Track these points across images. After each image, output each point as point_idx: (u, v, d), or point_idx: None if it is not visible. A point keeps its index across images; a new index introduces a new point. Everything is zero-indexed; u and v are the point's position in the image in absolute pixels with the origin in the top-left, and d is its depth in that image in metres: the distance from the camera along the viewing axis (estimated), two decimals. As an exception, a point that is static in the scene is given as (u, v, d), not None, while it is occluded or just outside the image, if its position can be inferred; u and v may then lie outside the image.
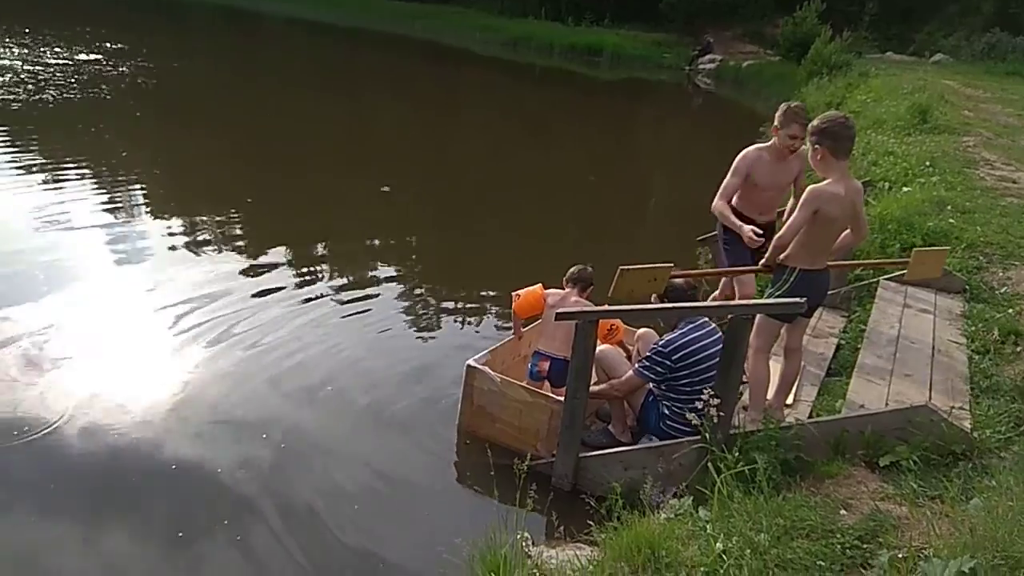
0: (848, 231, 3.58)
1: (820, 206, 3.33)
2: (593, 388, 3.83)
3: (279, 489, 3.68)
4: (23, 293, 5.36)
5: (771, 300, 3.53)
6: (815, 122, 3.43)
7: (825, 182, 3.39)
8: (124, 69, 15.88)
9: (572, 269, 4.39)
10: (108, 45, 18.72)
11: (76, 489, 3.54)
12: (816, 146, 3.38)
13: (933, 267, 4.41)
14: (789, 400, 3.97)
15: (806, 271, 3.46)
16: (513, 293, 4.46)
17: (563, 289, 4.36)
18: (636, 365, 3.90)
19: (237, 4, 36.53)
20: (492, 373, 4.13)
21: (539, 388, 4.28)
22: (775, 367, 3.86)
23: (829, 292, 4.12)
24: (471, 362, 4.19)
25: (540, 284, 4.45)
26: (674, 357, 3.74)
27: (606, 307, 4.01)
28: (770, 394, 3.83)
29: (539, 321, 4.48)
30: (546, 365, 4.25)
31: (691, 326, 3.80)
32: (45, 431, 3.86)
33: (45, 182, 8.23)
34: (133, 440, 3.89)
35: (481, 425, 4.19)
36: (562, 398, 3.81)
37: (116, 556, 3.22)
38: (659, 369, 3.77)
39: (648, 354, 3.83)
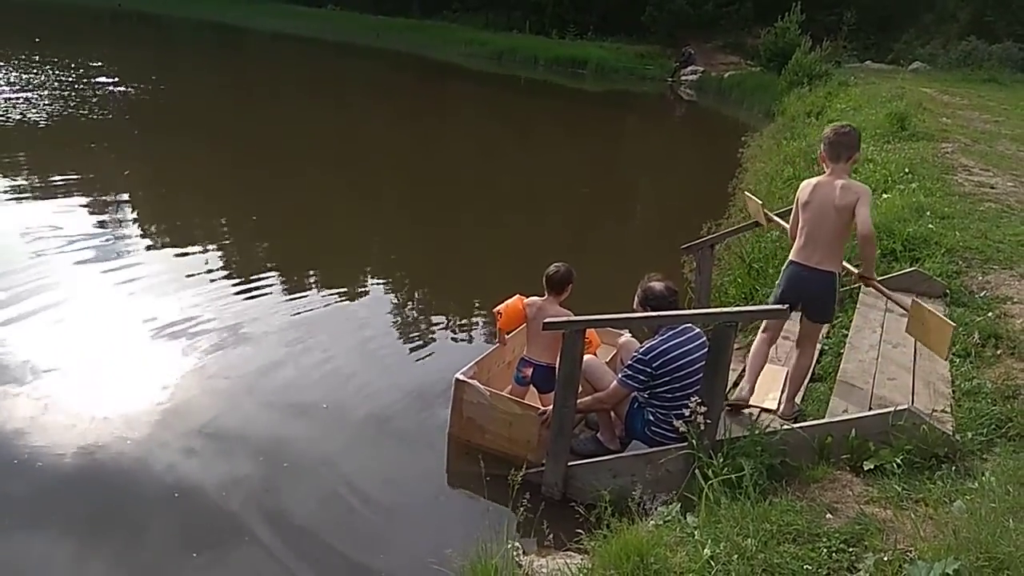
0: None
1: (798, 193, 3.92)
2: (580, 402, 3.83)
3: (272, 503, 3.68)
4: (13, 311, 5.33)
5: (754, 308, 3.61)
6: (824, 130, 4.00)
7: None
8: (119, 88, 15.87)
9: (548, 271, 4.30)
10: (99, 64, 18.66)
11: (73, 511, 3.51)
12: (820, 150, 3.94)
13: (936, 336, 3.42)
14: (773, 404, 4.03)
15: (791, 261, 3.92)
16: (495, 310, 4.49)
17: (543, 295, 4.36)
18: (619, 375, 3.90)
19: (223, 20, 36.58)
20: (480, 386, 4.15)
21: (525, 393, 4.32)
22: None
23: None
24: (459, 375, 4.20)
25: (518, 295, 4.47)
26: (655, 364, 3.74)
27: (591, 316, 4.04)
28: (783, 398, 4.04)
29: (524, 327, 4.50)
30: (529, 371, 4.30)
31: (672, 332, 3.81)
32: (39, 452, 3.83)
33: (43, 199, 8.24)
34: (130, 460, 3.88)
35: (471, 435, 4.20)
36: (550, 408, 3.83)
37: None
38: (641, 377, 3.78)
39: (630, 362, 3.84)
